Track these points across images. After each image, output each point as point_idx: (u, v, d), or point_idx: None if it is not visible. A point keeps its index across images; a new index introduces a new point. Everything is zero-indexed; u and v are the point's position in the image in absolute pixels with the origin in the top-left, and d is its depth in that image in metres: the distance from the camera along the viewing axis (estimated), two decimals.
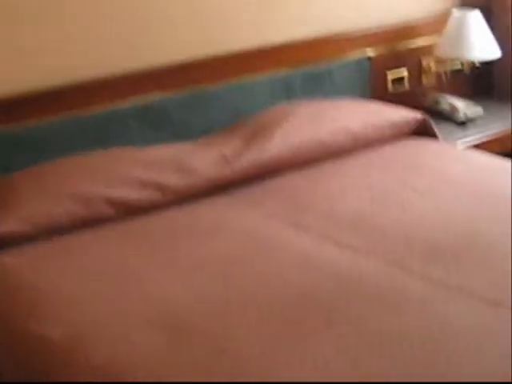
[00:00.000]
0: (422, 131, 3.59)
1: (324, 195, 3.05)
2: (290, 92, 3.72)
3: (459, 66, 4.07)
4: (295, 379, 1.93)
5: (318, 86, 3.81)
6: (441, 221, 2.77)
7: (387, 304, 2.24)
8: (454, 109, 3.92)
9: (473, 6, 4.03)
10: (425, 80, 4.14)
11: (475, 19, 3.90)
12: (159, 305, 2.32)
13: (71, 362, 2.15)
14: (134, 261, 2.63)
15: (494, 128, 3.89)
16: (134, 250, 2.70)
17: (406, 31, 4.04)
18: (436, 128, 3.62)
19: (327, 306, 2.25)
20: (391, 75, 4.04)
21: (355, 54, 3.91)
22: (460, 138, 3.77)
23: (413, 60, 4.09)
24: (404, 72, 4.07)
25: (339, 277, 2.42)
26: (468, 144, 3.75)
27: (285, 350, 2.06)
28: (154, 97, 3.42)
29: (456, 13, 3.94)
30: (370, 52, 3.94)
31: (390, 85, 4.04)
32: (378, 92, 3.96)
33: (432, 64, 4.10)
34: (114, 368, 2.06)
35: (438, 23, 4.04)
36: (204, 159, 3.12)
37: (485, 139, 3.83)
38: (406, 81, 4.09)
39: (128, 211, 2.92)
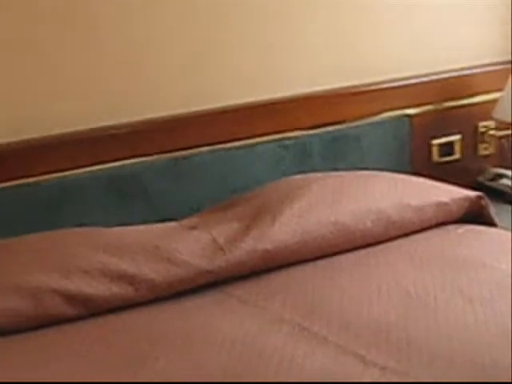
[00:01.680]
0: (477, 215, 3.64)
1: (345, 297, 3.06)
2: (303, 161, 3.81)
3: None
4: None
5: (342, 153, 3.91)
6: (504, 342, 2.72)
7: None
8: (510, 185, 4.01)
9: None
10: (481, 149, 4.22)
11: None
12: None
13: None
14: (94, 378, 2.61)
15: None
16: (95, 365, 2.69)
17: (459, 86, 4.14)
18: (494, 212, 3.66)
19: None
20: (437, 141, 4.13)
21: (391, 113, 4.02)
22: None
23: (466, 122, 4.17)
24: (454, 137, 4.17)
25: None
26: None
27: None
28: (125, 162, 3.54)
29: None
30: (411, 110, 4.05)
31: (435, 153, 4.13)
32: (420, 162, 4.05)
33: (490, 128, 4.19)
34: None
35: (499, 77, 4.11)
36: (190, 246, 3.18)
37: None
38: (456, 148, 4.18)
39: (89, 310, 2.99)
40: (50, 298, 2.96)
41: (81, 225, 3.38)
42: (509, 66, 4.13)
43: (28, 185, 3.40)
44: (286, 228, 3.33)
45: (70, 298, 2.98)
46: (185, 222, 3.44)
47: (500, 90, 4.10)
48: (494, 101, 4.13)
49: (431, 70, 4.13)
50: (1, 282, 2.98)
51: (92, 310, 3.02)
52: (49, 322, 2.94)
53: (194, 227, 3.38)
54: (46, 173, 3.42)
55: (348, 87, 3.98)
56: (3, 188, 3.36)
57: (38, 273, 3.01)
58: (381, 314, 2.96)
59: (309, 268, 3.34)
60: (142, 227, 3.37)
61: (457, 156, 4.22)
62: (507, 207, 3.96)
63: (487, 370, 2.54)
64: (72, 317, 2.99)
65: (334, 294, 3.13)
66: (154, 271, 3.10)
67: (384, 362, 2.64)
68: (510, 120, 4.08)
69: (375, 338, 2.81)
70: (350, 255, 3.42)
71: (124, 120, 3.59)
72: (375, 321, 2.93)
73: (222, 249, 3.22)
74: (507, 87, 4.07)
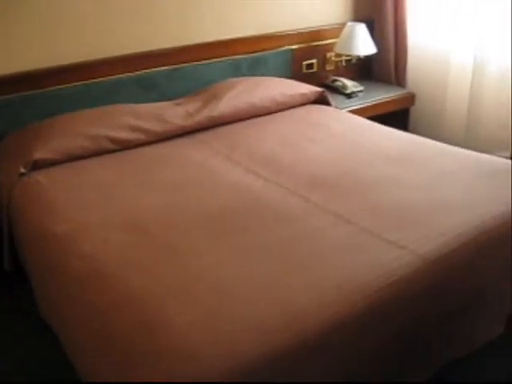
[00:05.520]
0: (321, 100, 3.27)
1: (252, 140, 2.74)
2: (238, 71, 3.37)
3: (349, 58, 3.75)
4: (214, 266, 1.73)
5: (258, 67, 3.45)
6: (325, 162, 2.47)
7: (280, 218, 2.01)
8: (344, 86, 3.63)
9: (360, 20, 3.72)
10: (327, 66, 3.78)
11: (360, 29, 3.59)
12: (130, 214, 2.08)
13: (68, 250, 1.93)
14: (120, 180, 2.37)
15: (369, 99, 3.59)
16: (122, 173, 2.44)
17: (317, 35, 3.70)
18: (331, 98, 3.32)
19: (243, 218, 2.02)
20: (305, 62, 3.68)
21: (284, 48, 3.56)
22: (347, 105, 3.46)
23: (320, 53, 3.73)
24: (314, 60, 3.72)
25: (253, 198, 2.17)
26: (352, 109, 3.44)
27: (210, 247, 1.84)
28: (148, 71, 3.09)
29: (348, 24, 3.63)
30: (293, 46, 3.59)
31: (304, 68, 3.69)
32: (296, 73, 3.62)
33: (332, 56, 3.76)
34: (95, 255, 1.85)
35: (337, 30, 3.69)
36: (175, 113, 2.82)
37: (363, 106, 3.53)
38: (314, 66, 3.73)
39: (122, 146, 2.65)
40: (103, 140, 2.62)
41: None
42: (343, 25, 3.67)
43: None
44: (225, 104, 2.94)
45: (113, 140, 2.64)
46: (174, 102, 3.03)
47: (337, 37, 3.68)
48: (334, 43, 3.70)
49: (304, 26, 3.66)
50: (75, 132, 2.61)
51: (123, 146, 2.67)
52: (101, 153, 2.62)
53: (178, 104, 2.98)
54: (107, 75, 3.00)
55: (263, 34, 3.51)
56: (86, 84, 2.95)
57: (95, 127, 2.65)
58: (269, 149, 2.66)
59: (236, 126, 2.94)
60: (152, 104, 2.96)
61: (314, 70, 3.76)
62: (338, 96, 3.58)
63: (313, 176, 2.36)
64: (114, 150, 2.65)
65: (247, 138, 2.80)
66: (156, 126, 2.74)
67: (267, 175, 2.40)
68: (341, 52, 3.69)
69: (265, 162, 2.53)
70: (257, 120, 3.02)
71: (146, 49, 3.11)
72: (266, 153, 2.62)
73: (191, 115, 2.85)
74: (340, 36, 3.66)
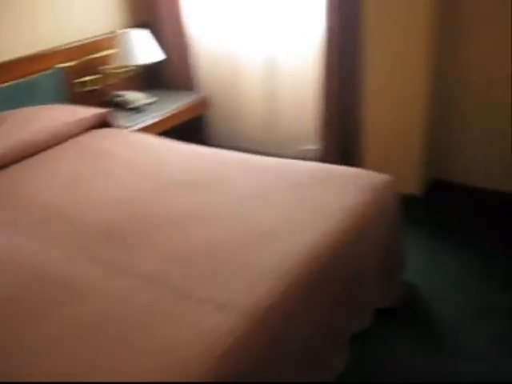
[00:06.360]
0: (105, 123, 2.90)
1: (29, 188, 2.30)
2: (12, 101, 2.87)
3: (132, 68, 3.42)
4: None
5: (25, 96, 2.96)
6: (115, 202, 2.11)
7: (70, 293, 1.61)
8: (129, 100, 3.32)
9: (138, 25, 3.45)
10: (107, 81, 3.40)
11: (138, 35, 3.28)
12: None
13: None
14: None
15: (162, 111, 3.30)
16: None
17: (91, 47, 3.31)
18: (114, 118, 2.96)
19: (23, 302, 1.60)
20: (83, 79, 3.27)
21: (55, 68, 3.11)
22: (138, 122, 3.14)
23: (97, 67, 3.34)
24: (94, 76, 3.32)
25: (27, 271, 1.73)
26: (145, 125, 3.14)
27: None
28: None
29: (123, 32, 3.29)
30: (64, 64, 3.15)
31: (81, 88, 3.27)
32: (73, 93, 3.22)
33: (112, 69, 3.38)
34: None
35: (112, 40, 3.34)
36: None
37: (156, 120, 3.23)
38: (94, 83, 3.32)
39: None
40: None
41: None
42: (116, 34, 3.33)
43: None
44: None
45: None
46: None
47: (113, 48, 3.34)
48: (112, 54, 3.34)
49: (73, 40, 3.26)
50: None
51: None
52: None
53: None
54: None
55: (25, 55, 3.01)
56: None
57: None
58: (49, 197, 2.23)
59: (8, 172, 2.45)
60: None
61: (95, 87, 3.35)
62: (127, 113, 3.25)
63: (104, 225, 1.97)
64: None
65: (22, 186, 2.34)
66: None
67: (46, 235, 1.93)
68: (122, 63, 3.32)
69: (44, 216, 2.07)
70: (32, 159, 2.56)
71: None
72: (47, 202, 2.18)
73: None
74: (118, 46, 3.29)
